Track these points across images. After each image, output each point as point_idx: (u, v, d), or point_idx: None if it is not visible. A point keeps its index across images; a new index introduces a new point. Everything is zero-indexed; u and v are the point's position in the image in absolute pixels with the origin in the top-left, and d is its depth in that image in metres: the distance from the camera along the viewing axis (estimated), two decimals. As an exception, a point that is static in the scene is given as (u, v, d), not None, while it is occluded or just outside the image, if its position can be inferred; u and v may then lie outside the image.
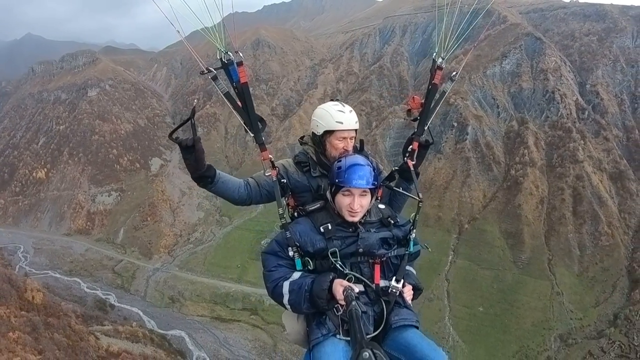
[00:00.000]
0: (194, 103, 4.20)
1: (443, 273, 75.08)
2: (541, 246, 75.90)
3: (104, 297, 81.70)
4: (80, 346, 38.89)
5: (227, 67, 3.51)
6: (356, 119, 3.90)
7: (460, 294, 71.64)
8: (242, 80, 3.55)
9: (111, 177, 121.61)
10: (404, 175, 4.12)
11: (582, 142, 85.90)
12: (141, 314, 76.52)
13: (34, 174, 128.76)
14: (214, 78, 3.50)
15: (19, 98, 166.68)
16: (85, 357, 37.36)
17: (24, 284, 44.67)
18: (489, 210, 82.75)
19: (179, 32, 3.35)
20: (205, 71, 3.46)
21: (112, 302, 79.68)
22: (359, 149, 4.04)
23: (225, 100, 3.57)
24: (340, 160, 3.43)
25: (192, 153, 3.33)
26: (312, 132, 4.04)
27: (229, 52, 3.49)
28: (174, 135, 3.40)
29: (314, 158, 3.99)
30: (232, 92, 3.61)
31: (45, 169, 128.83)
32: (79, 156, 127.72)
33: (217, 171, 3.60)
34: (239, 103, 3.63)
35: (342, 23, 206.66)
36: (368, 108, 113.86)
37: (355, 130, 3.93)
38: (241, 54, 3.54)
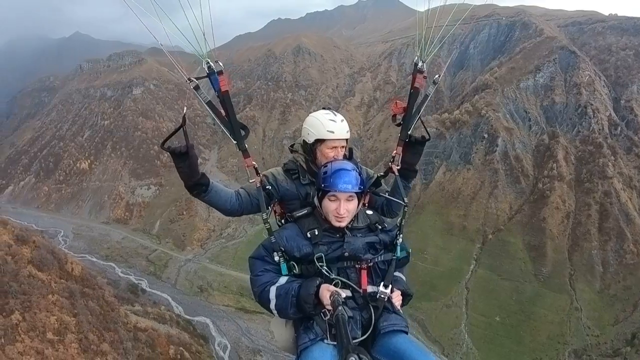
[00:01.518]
0: (184, 111, 4.24)
1: (463, 281, 76.20)
2: (563, 261, 76.05)
3: (136, 281, 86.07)
4: (111, 316, 43.03)
5: (210, 76, 3.57)
6: (347, 128, 4.00)
7: (478, 303, 72.65)
8: (223, 89, 3.57)
9: (151, 171, 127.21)
10: (405, 175, 4.20)
11: (612, 158, 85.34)
12: (170, 299, 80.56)
13: (78, 164, 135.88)
14: (196, 87, 3.54)
15: (66, 93, 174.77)
16: (115, 326, 41.54)
17: (65, 256, 49.38)
18: (514, 223, 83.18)
19: (161, 44, 3.48)
20: (187, 81, 3.51)
21: (144, 287, 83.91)
22: (348, 157, 4.06)
23: (207, 108, 3.63)
24: (327, 165, 3.49)
25: (185, 161, 3.39)
26: (303, 140, 4.11)
27: (210, 62, 3.55)
28: (166, 145, 3.44)
29: (304, 166, 4.07)
30: (229, 99, 3.70)
31: (89, 161, 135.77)
32: (122, 150, 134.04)
33: (211, 180, 3.65)
34: (222, 111, 3.66)
35: (382, 33, 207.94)
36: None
37: (346, 139, 4.02)
38: (221, 63, 3.59)
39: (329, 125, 3.90)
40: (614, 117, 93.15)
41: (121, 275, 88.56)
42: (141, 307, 64.10)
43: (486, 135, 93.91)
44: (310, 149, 4.05)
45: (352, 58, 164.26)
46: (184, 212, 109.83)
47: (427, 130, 4.30)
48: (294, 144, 4.35)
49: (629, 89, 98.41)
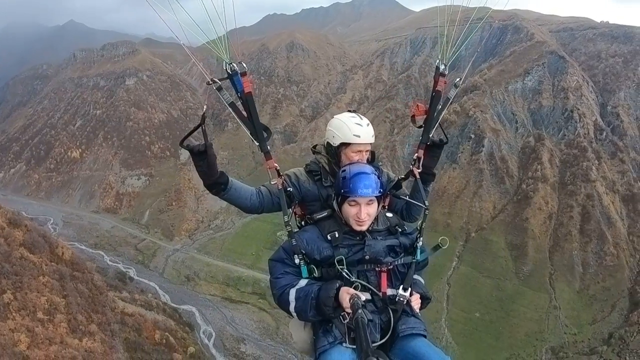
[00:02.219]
0: (204, 109, 3.87)
1: (445, 277, 77.65)
2: (544, 260, 77.81)
3: (124, 270, 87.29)
4: (100, 300, 44.21)
5: (232, 77, 3.55)
6: (372, 132, 3.93)
7: (459, 299, 74.33)
8: (247, 90, 3.57)
9: (142, 162, 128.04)
10: (423, 179, 4.13)
11: (596, 162, 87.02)
12: (157, 288, 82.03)
13: (69, 153, 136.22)
14: (219, 89, 3.53)
15: (59, 81, 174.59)
16: (103, 309, 42.77)
17: (55, 240, 50.55)
18: (497, 222, 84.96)
19: (183, 44, 3.48)
20: (210, 82, 3.51)
21: (132, 275, 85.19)
22: (370, 160, 4.04)
23: (230, 110, 3.61)
24: (345, 170, 3.45)
25: (204, 159, 3.35)
26: (327, 142, 4.05)
27: (233, 63, 3.53)
28: (185, 143, 3.39)
29: (327, 168, 4.01)
30: (239, 101, 3.69)
31: (80, 150, 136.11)
32: (113, 140, 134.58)
33: (230, 178, 3.61)
34: (244, 113, 3.65)
35: (376, 31, 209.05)
36: (393, 115, 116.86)
37: (371, 143, 3.97)
38: (244, 65, 3.60)
39: (355, 130, 3.83)
40: (599, 122, 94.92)
41: (109, 263, 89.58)
42: (129, 294, 65.39)
43: (473, 136, 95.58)
44: (335, 151, 3.98)
45: (345, 55, 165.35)
46: (173, 203, 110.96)
47: (445, 134, 4.31)
48: (316, 145, 4.30)
49: (616, 95, 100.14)
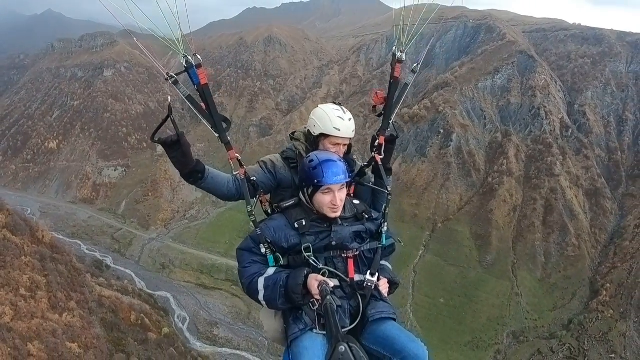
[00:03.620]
0: (169, 100, 3.94)
1: (412, 265, 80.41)
2: (507, 250, 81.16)
3: (101, 258, 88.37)
4: (78, 280, 46.11)
5: (188, 70, 3.52)
6: (354, 127, 3.95)
7: (424, 286, 77.14)
8: (202, 82, 3.54)
9: (119, 153, 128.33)
10: (376, 170, 4.18)
11: (560, 157, 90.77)
12: (133, 275, 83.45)
13: (46, 144, 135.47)
14: (175, 82, 3.48)
15: (36, 72, 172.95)
16: (81, 289, 44.62)
17: (36, 225, 52.13)
18: (463, 213, 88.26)
19: (135, 39, 3.50)
20: (166, 77, 3.43)
21: (109, 264, 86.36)
22: (347, 153, 4.11)
23: (188, 103, 3.56)
24: (312, 160, 3.46)
25: (177, 149, 3.33)
26: (308, 130, 4.08)
27: (188, 56, 3.47)
28: (156, 137, 3.31)
29: (303, 155, 4.00)
30: (195, 93, 3.65)
31: (57, 141, 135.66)
32: (90, 131, 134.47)
33: (206, 166, 3.60)
34: (203, 105, 3.62)
35: (354, 27, 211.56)
36: (366, 110, 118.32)
37: (350, 138, 3.98)
38: (199, 57, 3.51)
39: (336, 122, 3.86)
40: (566, 119, 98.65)
41: (87, 252, 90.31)
42: (105, 280, 66.73)
43: (442, 131, 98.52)
44: (314, 140, 4.02)
45: (322, 51, 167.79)
46: (150, 194, 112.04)
47: (395, 129, 4.30)
48: (295, 131, 4.33)
49: (583, 95, 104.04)
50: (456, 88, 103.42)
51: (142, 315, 53.54)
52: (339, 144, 3.94)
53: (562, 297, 74.33)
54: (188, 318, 72.10)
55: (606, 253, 79.40)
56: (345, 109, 4.00)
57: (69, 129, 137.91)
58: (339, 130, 3.85)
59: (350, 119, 3.92)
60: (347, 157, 4.07)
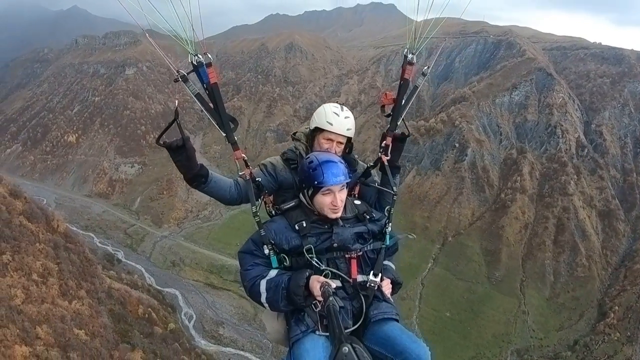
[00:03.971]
0: (176, 104, 4.08)
1: (420, 277, 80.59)
2: (517, 267, 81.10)
3: (113, 252, 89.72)
4: (89, 270, 47.49)
5: (197, 69, 3.49)
6: (349, 126, 3.93)
7: (431, 298, 77.16)
8: (212, 81, 3.50)
9: (136, 150, 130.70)
10: (383, 170, 4.14)
11: (575, 177, 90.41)
12: (143, 270, 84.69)
13: (65, 137, 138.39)
14: (185, 80, 3.44)
15: (59, 66, 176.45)
16: (92, 279, 45.90)
17: (52, 214, 53.71)
18: (474, 228, 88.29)
19: (148, 35, 3.43)
20: (176, 74, 3.40)
21: (120, 258, 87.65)
22: (348, 152, 4.12)
23: (196, 101, 3.57)
24: (311, 161, 3.43)
25: (182, 154, 3.33)
26: (308, 128, 4.12)
27: (198, 54, 3.44)
28: (161, 141, 3.31)
29: (303, 155, 3.99)
30: (204, 93, 3.60)
31: (76, 135, 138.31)
32: (109, 127, 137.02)
33: (210, 171, 3.59)
34: (211, 104, 3.59)
35: (376, 38, 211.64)
36: (383, 121, 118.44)
37: (348, 137, 3.98)
38: (210, 55, 3.49)
39: (330, 117, 3.87)
40: (582, 139, 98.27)
41: (99, 245, 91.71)
42: (116, 273, 67.87)
43: (457, 145, 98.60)
44: (310, 135, 4.07)
45: (343, 60, 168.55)
46: (164, 192, 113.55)
47: (407, 127, 4.29)
48: (296, 132, 4.30)
49: (601, 114, 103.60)
50: (473, 103, 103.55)
51: (149, 309, 54.64)
52: (331, 140, 3.92)
53: (569, 317, 73.97)
54: (194, 316, 73.06)
55: (616, 275, 78.84)
56: (345, 108, 4.01)
57: (88, 124, 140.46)
58: (332, 124, 3.86)
59: (346, 117, 3.92)
60: (348, 157, 4.07)
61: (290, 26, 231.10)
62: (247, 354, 65.60)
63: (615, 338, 66.02)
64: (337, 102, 4.22)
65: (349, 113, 3.96)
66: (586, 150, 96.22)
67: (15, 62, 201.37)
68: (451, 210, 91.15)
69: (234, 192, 3.77)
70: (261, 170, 3.97)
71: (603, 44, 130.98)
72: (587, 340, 67.23)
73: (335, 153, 3.85)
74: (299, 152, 4.04)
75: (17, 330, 31.71)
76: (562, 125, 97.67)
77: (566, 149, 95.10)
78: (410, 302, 75.36)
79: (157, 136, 3.40)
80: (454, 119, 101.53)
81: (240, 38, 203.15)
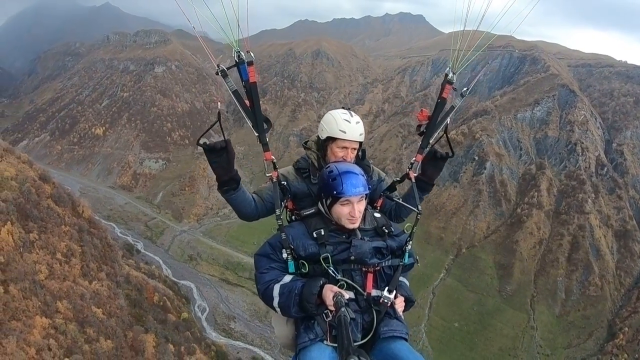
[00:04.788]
0: (219, 107, 3.73)
1: (431, 287, 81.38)
2: (528, 282, 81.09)
3: (132, 242, 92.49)
4: (110, 255, 50.10)
5: (239, 65, 3.49)
6: (361, 131, 3.90)
7: (441, 308, 77.98)
8: (251, 80, 3.50)
9: (161, 146, 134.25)
10: (422, 187, 4.15)
11: (593, 195, 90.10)
12: (161, 262, 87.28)
13: (93, 130, 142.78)
14: (224, 75, 3.50)
15: (90, 60, 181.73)
16: (112, 264, 48.41)
17: (78, 199, 56.62)
18: (488, 241, 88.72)
19: (194, 28, 3.43)
20: (217, 67, 3.44)
21: (139, 249, 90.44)
22: (362, 158, 4.11)
23: (233, 97, 3.57)
24: (331, 170, 3.39)
25: (222, 155, 3.36)
26: (318, 136, 4.08)
27: (241, 52, 3.46)
28: (201, 141, 3.41)
29: (315, 164, 4.01)
30: (242, 90, 3.59)
31: (104, 128, 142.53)
32: (136, 122, 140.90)
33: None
34: (247, 102, 3.58)
35: (402, 48, 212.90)
36: (405, 131, 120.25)
37: (360, 142, 3.95)
38: (252, 54, 3.49)
39: (342, 125, 3.84)
40: (602, 157, 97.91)
41: (120, 235, 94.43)
42: (134, 262, 70.29)
43: (476, 158, 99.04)
44: (322, 145, 4.02)
45: (368, 68, 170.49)
46: (186, 188, 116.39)
47: (451, 147, 4.24)
48: (307, 140, 4.27)
49: (622, 134, 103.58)
50: (495, 117, 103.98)
51: (164, 297, 56.97)
52: (346, 148, 3.89)
53: (577, 335, 73.79)
54: (208, 309, 75.19)
55: (629, 297, 78.27)
56: (353, 113, 3.98)
57: (116, 118, 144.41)
58: (345, 132, 3.82)
59: (357, 122, 3.90)
60: (362, 163, 4.05)
61: (318, 32, 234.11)
62: (256, 349, 67.31)
63: (623, 359, 65.60)
64: (343, 107, 4.19)
65: (358, 117, 3.97)
66: (606, 169, 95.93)
67: (47, 54, 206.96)
68: (467, 222, 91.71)
69: (254, 207, 3.81)
70: (279, 174, 3.92)
71: (629, 62, 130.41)
72: (594, 360, 66.31)
73: (350, 159, 3.91)
74: (311, 161, 4.07)
75: (39, 303, 34.25)
76: (582, 143, 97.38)
77: (585, 167, 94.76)
78: (420, 311, 76.12)
79: (197, 138, 3.53)
80: (475, 131, 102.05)
81: (268, 42, 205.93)
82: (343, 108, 4.05)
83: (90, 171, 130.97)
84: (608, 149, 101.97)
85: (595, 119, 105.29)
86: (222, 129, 3.56)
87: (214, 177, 3.53)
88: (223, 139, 3.34)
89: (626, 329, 69.89)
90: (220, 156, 3.38)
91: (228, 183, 3.50)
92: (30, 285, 35.99)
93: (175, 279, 79.68)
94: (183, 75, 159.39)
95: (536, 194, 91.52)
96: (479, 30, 4.08)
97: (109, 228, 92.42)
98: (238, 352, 64.93)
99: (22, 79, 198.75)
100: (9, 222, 39.57)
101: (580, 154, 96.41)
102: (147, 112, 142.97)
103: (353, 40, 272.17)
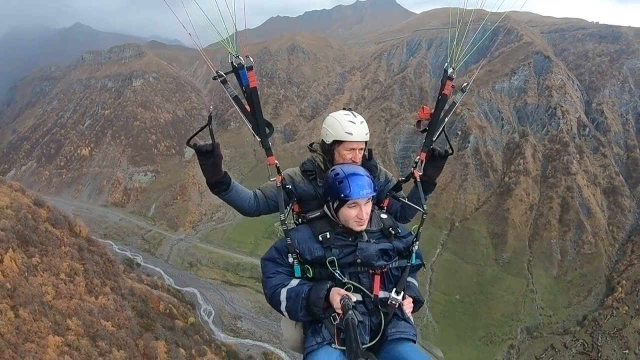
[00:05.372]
0: (210, 109, 4.09)
1: (429, 263, 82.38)
2: (523, 248, 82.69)
3: (132, 257, 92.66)
4: (112, 270, 51.07)
5: (238, 71, 3.49)
6: (367, 130, 3.84)
7: (441, 283, 79.32)
8: (252, 85, 3.50)
9: (148, 159, 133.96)
10: (424, 187, 4.08)
11: (577, 156, 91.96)
12: (162, 272, 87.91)
13: (79, 151, 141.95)
14: (224, 81, 3.46)
15: (67, 83, 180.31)
16: (115, 278, 49.40)
17: (74, 219, 57.24)
18: (480, 212, 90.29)
19: (190, 35, 3.38)
20: (216, 74, 3.44)
21: (139, 262, 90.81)
22: (368, 158, 4.06)
23: (234, 103, 3.56)
24: (337, 173, 3.37)
25: (209, 159, 3.37)
26: (322, 140, 4.01)
27: (239, 57, 3.48)
28: (192, 142, 3.45)
29: (322, 167, 3.96)
30: (242, 95, 3.58)
31: (89, 148, 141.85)
32: (121, 139, 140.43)
33: (232, 180, 3.63)
34: (248, 107, 3.59)
35: (376, 34, 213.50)
36: (388, 115, 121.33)
37: (365, 142, 3.88)
38: (251, 59, 3.52)
39: (347, 127, 3.76)
40: (583, 118, 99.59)
41: (118, 251, 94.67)
42: (136, 276, 71.02)
43: (460, 132, 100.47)
44: (329, 149, 3.94)
45: (345, 57, 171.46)
46: (178, 197, 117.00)
47: (450, 145, 4.18)
48: (312, 143, 4.23)
49: (601, 93, 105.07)
50: (473, 90, 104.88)
51: (170, 305, 57.83)
52: (354, 149, 3.82)
53: (577, 294, 75.21)
54: (213, 312, 76.12)
55: (623, 251, 79.86)
56: (355, 114, 3.91)
57: (100, 137, 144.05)
58: (352, 134, 3.77)
59: (362, 122, 3.84)
60: (369, 164, 4.01)
61: (291, 28, 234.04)
62: (265, 344, 68.25)
63: (624, 311, 66.97)
64: (344, 107, 4.20)
65: (361, 117, 3.90)
66: (588, 129, 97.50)
67: (24, 82, 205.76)
68: (457, 196, 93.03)
69: (253, 203, 3.83)
70: (283, 178, 3.89)
71: (600, 22, 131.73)
72: (595, 315, 68.41)
73: (358, 160, 3.86)
74: (317, 164, 4.02)
75: (50, 323, 35.18)
76: (562, 106, 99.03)
77: (567, 130, 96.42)
78: (421, 288, 75.66)
79: (188, 138, 3.63)
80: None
81: (242, 43, 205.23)
82: (344, 109, 4.01)
83: (81, 192, 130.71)
84: (588, 110, 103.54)
85: (573, 82, 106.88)
86: (211, 132, 3.51)
87: (205, 180, 3.61)
88: (211, 142, 3.38)
89: (624, 282, 71.30)
90: (208, 159, 3.41)
91: (217, 185, 3.54)
92: (39, 307, 36.90)
93: (178, 287, 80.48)
94: (162, 86, 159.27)
95: (522, 161, 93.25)
96: (468, 12, 4.16)
97: (106, 246, 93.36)
98: (248, 350, 65.76)
99: (2, 109, 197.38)
100: (10, 249, 40.31)
101: (561, 117, 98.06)
102: (130, 126, 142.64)
103: (327, 31, 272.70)
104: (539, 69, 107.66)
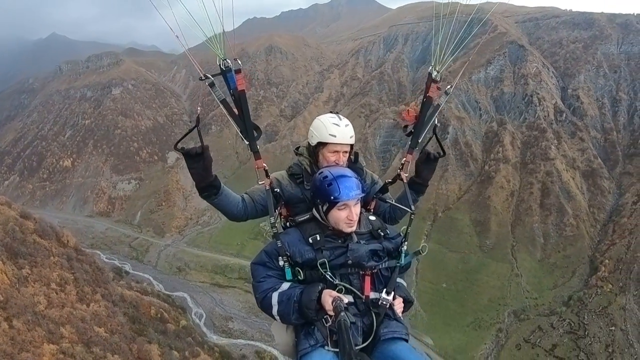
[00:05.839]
0: (198, 111, 3.69)
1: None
2: (506, 234, 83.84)
3: (120, 265, 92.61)
4: (102, 278, 51.56)
5: (225, 74, 3.49)
6: (352, 133, 3.89)
7: (427, 272, 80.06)
8: (240, 88, 3.51)
9: (131, 167, 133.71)
10: (416, 189, 4.19)
11: (555, 141, 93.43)
12: (151, 279, 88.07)
13: (61, 162, 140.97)
14: (211, 84, 3.46)
15: (46, 94, 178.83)
16: (105, 285, 49.91)
17: (61, 230, 57.58)
18: (462, 202, 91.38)
19: (178, 38, 3.35)
20: (203, 77, 3.42)
21: (127, 270, 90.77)
22: (354, 161, 4.10)
23: (222, 107, 3.56)
24: (325, 176, 3.40)
25: (199, 162, 3.36)
26: (308, 143, 4.06)
27: (227, 60, 3.46)
28: (179, 146, 3.39)
29: (309, 170, 3.99)
30: (230, 99, 3.59)
31: (71, 159, 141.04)
32: (103, 148, 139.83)
33: (222, 184, 3.60)
34: (236, 110, 3.61)
35: (353, 31, 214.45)
36: (367, 111, 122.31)
37: (351, 145, 3.95)
38: (239, 62, 3.50)
39: (331, 129, 3.81)
40: (559, 104, 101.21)
41: (106, 260, 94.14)
42: (126, 283, 71.24)
43: (438, 124, 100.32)
44: (314, 151, 3.99)
45: (322, 56, 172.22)
46: (163, 203, 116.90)
47: (442, 147, 4.26)
48: (299, 146, 4.25)
49: (576, 79, 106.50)
50: (450, 82, 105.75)
51: (161, 310, 58.26)
52: (337, 152, 3.87)
53: (562, 275, 76.33)
54: (204, 314, 76.53)
55: (605, 231, 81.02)
56: (341, 117, 3.95)
57: (82, 147, 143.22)
58: (335, 136, 3.80)
59: (346, 125, 3.89)
60: (355, 167, 4.05)
61: (268, 28, 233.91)
62: (257, 343, 68.56)
63: (608, 290, 68.12)
64: (331, 112, 4.17)
65: (347, 120, 3.96)
66: (564, 115, 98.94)
67: (2, 96, 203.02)
68: (439, 187, 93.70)
69: (241, 208, 3.82)
70: (271, 181, 3.95)
71: (574, 10, 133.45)
72: (580, 295, 69.45)
73: (342, 163, 3.90)
74: (304, 167, 4.05)
75: (44, 332, 35.70)
76: (538, 94, 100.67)
77: (544, 116, 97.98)
78: (408, 278, 75.22)
79: (175, 142, 3.59)
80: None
81: (229, 45, 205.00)
82: (331, 112, 4.07)
83: (66, 204, 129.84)
84: (564, 96, 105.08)
85: (548, 69, 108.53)
86: (200, 134, 3.47)
87: (189, 187, 4.00)
88: (200, 145, 3.38)
89: (607, 261, 72.26)
90: (197, 162, 3.41)
91: (207, 189, 3.53)
92: (33, 317, 37.46)
93: (168, 292, 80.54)
94: (141, 93, 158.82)
95: (501, 149, 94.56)
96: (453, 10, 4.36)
97: (95, 255, 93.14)
98: (241, 349, 66.25)
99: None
100: (0, 262, 40.80)
101: (538, 104, 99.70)
102: (111, 135, 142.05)
103: (304, 30, 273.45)
104: (514, 58, 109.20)
